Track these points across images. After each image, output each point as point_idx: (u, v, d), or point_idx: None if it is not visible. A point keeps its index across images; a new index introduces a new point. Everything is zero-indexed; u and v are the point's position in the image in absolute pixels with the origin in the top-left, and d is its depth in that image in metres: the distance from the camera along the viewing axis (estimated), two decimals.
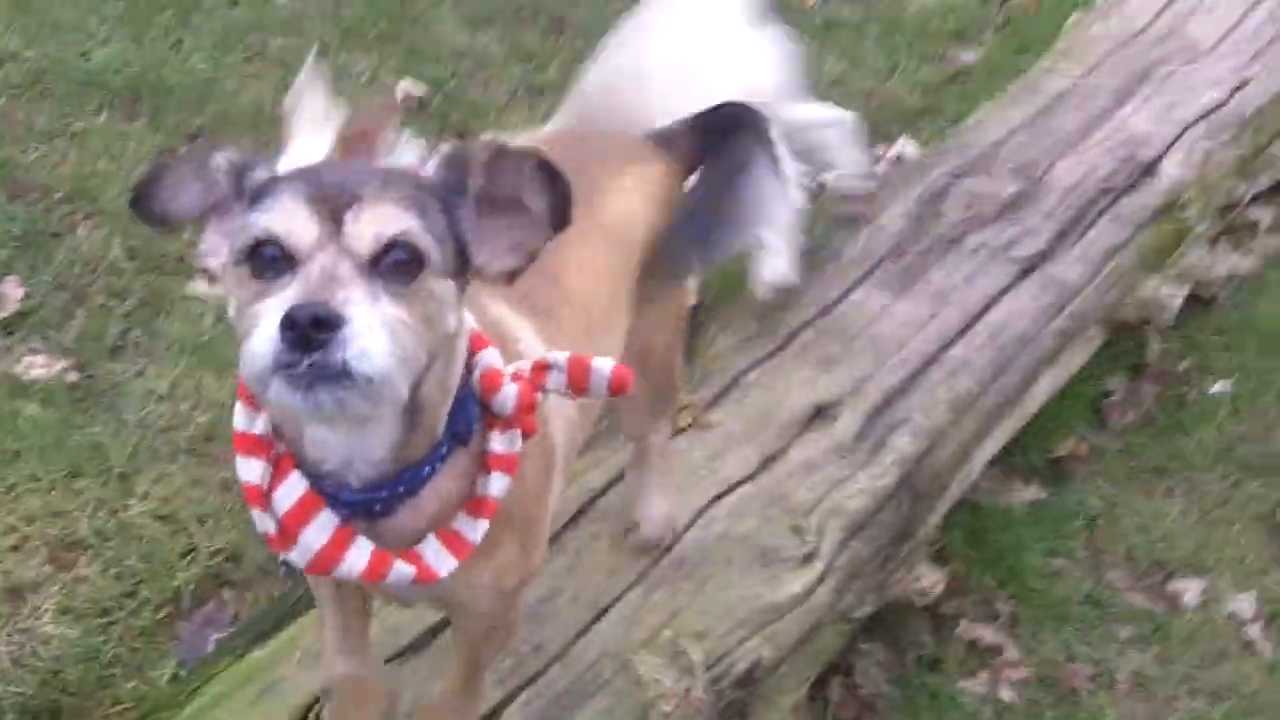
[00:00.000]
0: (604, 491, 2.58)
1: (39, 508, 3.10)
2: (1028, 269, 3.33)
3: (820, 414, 2.82)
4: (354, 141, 2.57)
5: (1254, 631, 3.35)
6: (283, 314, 1.37)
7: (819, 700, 2.99)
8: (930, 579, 3.03)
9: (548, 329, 1.87)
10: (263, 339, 1.39)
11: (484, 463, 1.66)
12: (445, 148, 1.62)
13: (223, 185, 1.55)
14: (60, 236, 3.87)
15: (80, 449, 3.23)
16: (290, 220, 1.46)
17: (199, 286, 3.73)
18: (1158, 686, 3.18)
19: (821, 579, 2.59)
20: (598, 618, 2.35)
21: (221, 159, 1.55)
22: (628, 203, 2.11)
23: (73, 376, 3.45)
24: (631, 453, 2.57)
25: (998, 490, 3.53)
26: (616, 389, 1.65)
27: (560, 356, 1.65)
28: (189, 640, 2.90)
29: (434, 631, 2.29)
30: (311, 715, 2.11)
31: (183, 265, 3.81)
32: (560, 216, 1.55)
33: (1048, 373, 3.44)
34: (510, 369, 1.67)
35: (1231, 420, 3.89)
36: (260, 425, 1.62)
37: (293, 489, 1.61)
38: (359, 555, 1.62)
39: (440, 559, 1.66)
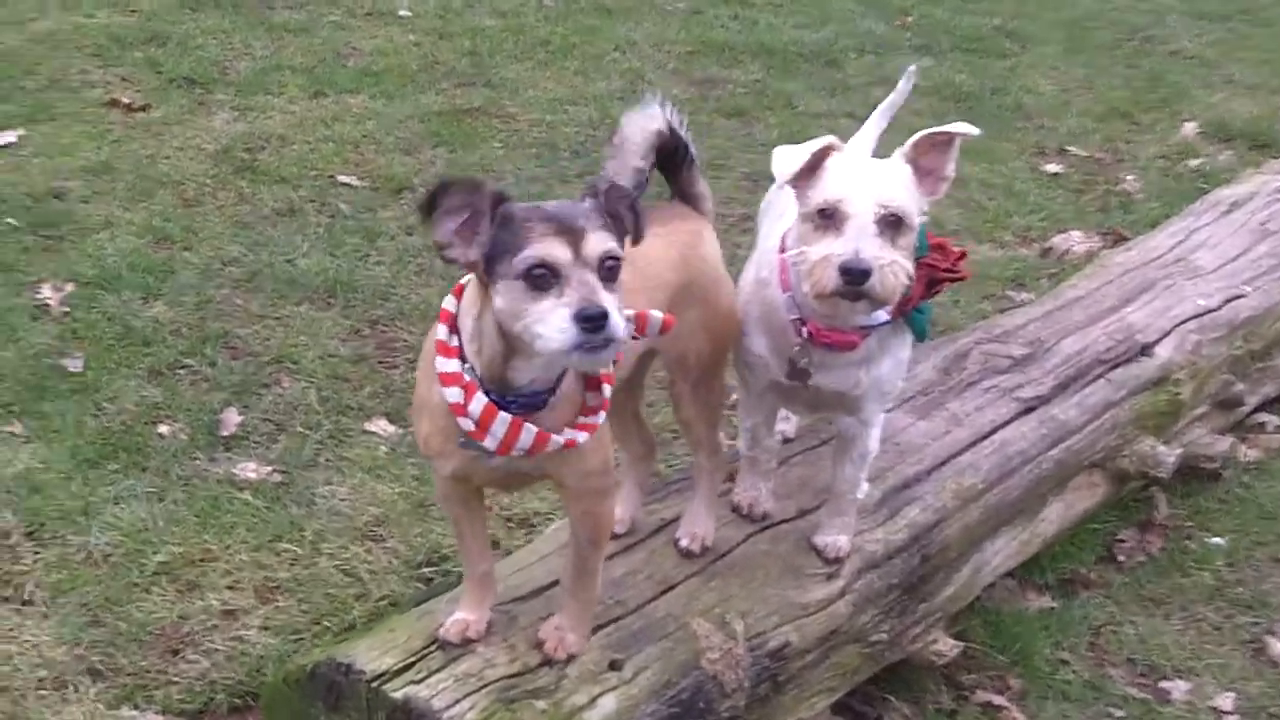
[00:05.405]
0: (675, 520, 3.35)
1: (248, 561, 3.95)
2: (1030, 408, 4.02)
3: None
4: None
5: None
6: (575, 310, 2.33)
7: None
8: (946, 644, 3.66)
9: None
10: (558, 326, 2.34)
11: (588, 381, 2.63)
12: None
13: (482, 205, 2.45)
14: (269, 387, 4.84)
15: (281, 523, 4.10)
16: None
17: (376, 425, 4.70)
18: None
19: (842, 594, 3.30)
20: (665, 591, 3.09)
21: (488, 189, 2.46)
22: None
23: (277, 478, 4.35)
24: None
25: (1014, 598, 4.19)
26: (667, 327, 2.60)
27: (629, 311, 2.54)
28: None
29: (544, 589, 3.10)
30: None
31: (362, 411, 4.77)
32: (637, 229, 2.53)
33: (1055, 501, 4.12)
34: None
35: (1227, 569, 4.45)
36: (454, 366, 2.56)
37: (479, 402, 2.55)
38: (527, 435, 2.55)
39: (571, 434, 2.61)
